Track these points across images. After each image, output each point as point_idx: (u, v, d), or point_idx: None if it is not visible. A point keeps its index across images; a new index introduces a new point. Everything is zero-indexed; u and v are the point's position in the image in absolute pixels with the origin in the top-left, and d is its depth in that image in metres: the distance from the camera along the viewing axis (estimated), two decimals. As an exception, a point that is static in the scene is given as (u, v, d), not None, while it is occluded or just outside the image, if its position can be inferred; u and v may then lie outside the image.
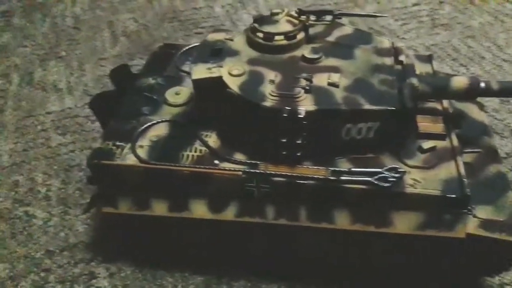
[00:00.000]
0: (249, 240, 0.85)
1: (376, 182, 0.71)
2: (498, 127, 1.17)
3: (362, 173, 0.73)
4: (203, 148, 0.80)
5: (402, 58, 0.80)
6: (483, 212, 0.73)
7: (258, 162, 0.76)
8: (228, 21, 1.63)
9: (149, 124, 0.84)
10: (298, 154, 0.74)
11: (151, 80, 0.96)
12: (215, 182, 0.77)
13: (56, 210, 1.03)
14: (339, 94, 0.73)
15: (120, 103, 0.91)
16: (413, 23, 1.58)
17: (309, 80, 0.75)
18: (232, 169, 0.76)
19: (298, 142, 0.73)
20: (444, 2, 1.67)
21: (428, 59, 0.99)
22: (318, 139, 0.74)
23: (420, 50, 1.43)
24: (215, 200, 0.78)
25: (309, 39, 0.84)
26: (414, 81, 0.76)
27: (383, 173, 0.71)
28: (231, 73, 0.78)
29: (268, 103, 0.73)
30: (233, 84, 0.76)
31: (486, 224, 0.71)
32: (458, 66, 1.38)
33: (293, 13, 0.85)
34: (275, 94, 0.73)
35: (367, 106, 0.72)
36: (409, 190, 0.72)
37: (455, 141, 0.79)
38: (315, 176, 0.73)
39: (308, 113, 0.71)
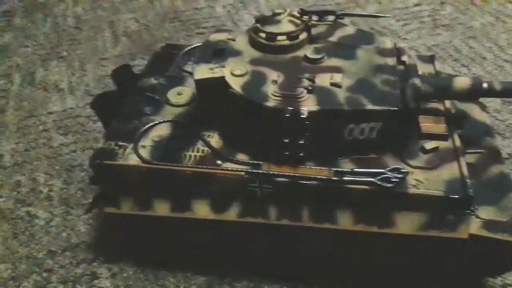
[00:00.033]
0: (251, 240, 0.85)
1: (379, 183, 0.71)
2: (500, 127, 1.17)
3: (365, 173, 0.72)
4: (206, 148, 0.80)
5: (404, 58, 0.80)
6: (486, 212, 0.73)
7: (261, 163, 0.76)
8: (229, 21, 1.63)
9: (151, 124, 0.84)
10: (301, 154, 0.74)
11: (153, 80, 0.96)
12: (217, 182, 0.77)
13: (58, 210, 1.03)
14: (341, 95, 0.73)
15: (122, 103, 0.91)
16: (414, 23, 1.58)
17: (312, 80, 0.75)
18: (235, 169, 0.76)
19: (301, 142, 0.73)
20: (446, 3, 1.67)
21: (430, 59, 0.99)
22: (321, 139, 0.74)
23: (422, 51, 1.43)
24: (218, 201, 0.78)
25: (311, 39, 0.84)
26: (417, 81, 0.75)
27: (386, 174, 0.71)
28: (233, 73, 0.78)
29: (270, 103, 0.73)
30: (236, 84, 0.76)
31: (489, 224, 0.71)
32: (459, 66, 1.38)
33: (296, 13, 0.85)
34: (277, 94, 0.73)
35: (369, 107, 0.72)
36: (412, 190, 0.72)
37: (458, 142, 0.79)
38: (318, 177, 0.73)
39: (310, 113, 0.71)
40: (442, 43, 1.48)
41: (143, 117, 0.86)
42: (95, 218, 1.00)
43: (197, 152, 0.79)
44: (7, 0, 1.78)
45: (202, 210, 0.79)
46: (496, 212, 0.73)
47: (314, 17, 0.86)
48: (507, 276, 0.86)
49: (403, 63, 0.80)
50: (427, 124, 0.79)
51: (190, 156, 0.79)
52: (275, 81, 0.76)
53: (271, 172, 0.75)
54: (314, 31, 0.85)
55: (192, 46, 1.05)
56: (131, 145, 0.81)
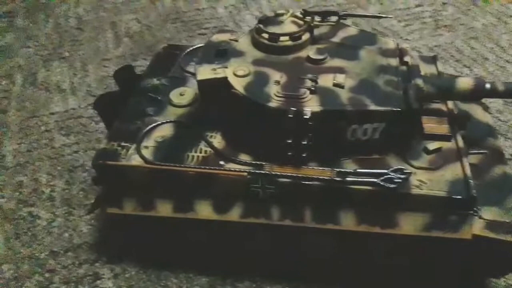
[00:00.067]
0: (254, 240, 0.84)
1: (382, 183, 0.71)
2: (502, 128, 1.17)
3: (368, 174, 0.72)
4: (208, 149, 0.80)
5: (407, 59, 0.80)
6: (489, 213, 0.73)
7: (263, 163, 0.76)
8: (231, 22, 1.63)
9: (154, 125, 0.84)
10: (304, 155, 0.74)
11: (155, 81, 0.96)
12: (220, 183, 0.77)
13: (60, 210, 1.03)
14: (344, 95, 0.73)
15: (125, 103, 0.91)
16: (416, 24, 1.58)
17: (315, 81, 0.75)
18: (237, 169, 0.76)
19: (304, 143, 0.73)
20: (447, 3, 1.67)
21: (433, 60, 0.99)
22: (323, 140, 0.74)
23: (424, 51, 1.43)
24: (220, 201, 0.79)
25: (314, 40, 0.84)
26: (419, 82, 0.75)
27: (389, 174, 0.71)
28: (236, 74, 0.78)
29: (273, 103, 0.73)
30: (238, 85, 0.76)
31: (492, 225, 0.71)
32: (461, 67, 1.38)
33: (298, 14, 0.85)
34: (280, 95, 0.73)
35: (372, 107, 0.72)
36: (415, 191, 0.72)
37: (461, 142, 0.79)
38: (321, 177, 0.73)
39: (313, 114, 0.71)
40: (444, 43, 1.48)
41: (145, 118, 0.86)
42: (97, 218, 1.00)
43: (200, 152, 0.79)
44: (9, 0, 1.78)
45: (204, 210, 0.79)
46: (499, 213, 0.73)
47: (317, 18, 0.86)
48: (510, 276, 0.86)
49: (406, 63, 0.80)
50: (430, 125, 0.78)
51: (193, 156, 0.79)
52: (277, 82, 0.75)
53: (273, 173, 0.75)
54: (316, 31, 0.85)
55: (194, 47, 1.05)
56: (133, 146, 0.81)
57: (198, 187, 0.78)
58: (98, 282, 0.90)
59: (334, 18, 0.87)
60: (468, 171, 0.74)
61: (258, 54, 0.82)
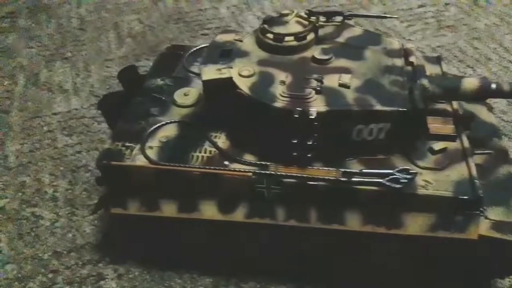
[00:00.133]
0: (259, 241, 0.84)
1: (387, 184, 0.71)
2: (506, 128, 1.17)
3: (374, 174, 0.72)
4: (213, 149, 0.80)
5: (412, 59, 0.80)
6: (495, 213, 0.73)
7: (268, 163, 0.76)
8: (234, 23, 1.63)
9: (158, 125, 0.84)
10: (309, 155, 0.74)
11: (159, 81, 0.96)
12: (225, 183, 0.76)
13: (63, 211, 1.03)
14: (350, 95, 0.73)
15: (129, 104, 0.90)
16: (418, 24, 1.58)
17: (320, 81, 0.75)
18: (242, 170, 0.76)
19: (309, 143, 0.73)
20: (450, 4, 1.67)
21: (437, 60, 0.99)
22: (329, 140, 0.74)
23: (426, 52, 1.43)
24: (225, 201, 0.78)
25: (318, 40, 0.84)
26: (425, 82, 0.75)
27: (395, 175, 0.71)
28: (241, 74, 0.78)
29: (279, 104, 0.72)
30: (243, 85, 0.76)
31: (498, 225, 0.71)
32: (464, 67, 1.38)
33: (303, 14, 0.85)
34: (286, 95, 0.73)
35: (378, 107, 0.72)
36: (421, 191, 0.72)
37: (466, 143, 0.79)
38: (326, 178, 0.73)
39: (319, 114, 0.71)
40: (447, 44, 1.48)
41: (149, 118, 0.86)
42: (101, 219, 1.00)
43: (204, 152, 0.79)
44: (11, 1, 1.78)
45: (209, 211, 0.79)
46: (505, 213, 0.73)
47: (322, 18, 0.85)
48: (515, 277, 0.86)
49: (411, 63, 0.80)
50: (435, 125, 0.78)
51: (197, 156, 0.79)
52: (283, 82, 0.75)
53: (278, 173, 0.74)
54: (321, 32, 0.84)
55: (198, 47, 1.05)
56: (138, 146, 0.80)
57: (203, 187, 0.78)
58: (102, 282, 0.90)
59: (339, 18, 0.87)
60: (474, 171, 0.74)
61: (263, 54, 0.82)
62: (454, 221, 0.72)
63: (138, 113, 0.88)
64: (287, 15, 0.84)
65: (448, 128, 0.79)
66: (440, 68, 0.96)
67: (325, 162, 0.75)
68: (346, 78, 0.75)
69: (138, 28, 1.62)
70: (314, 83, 0.74)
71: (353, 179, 0.73)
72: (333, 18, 0.87)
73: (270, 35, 0.82)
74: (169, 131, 0.83)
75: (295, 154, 0.74)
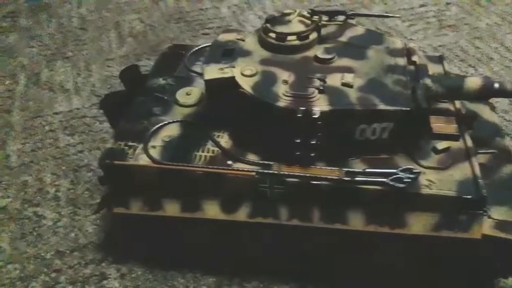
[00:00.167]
0: (261, 240, 0.84)
1: (391, 183, 0.71)
2: (508, 128, 1.17)
3: (377, 173, 0.72)
4: (216, 149, 0.80)
5: (415, 58, 0.80)
6: (498, 213, 0.72)
7: (271, 163, 0.76)
8: (235, 22, 1.63)
9: (161, 124, 0.84)
10: (312, 154, 0.74)
11: (161, 81, 0.96)
12: (228, 182, 0.76)
13: (66, 210, 1.03)
14: (353, 95, 0.73)
15: (131, 103, 0.90)
16: (420, 24, 1.58)
17: (323, 80, 0.75)
18: (245, 169, 0.76)
19: (312, 142, 0.73)
20: (451, 3, 1.67)
21: (439, 60, 0.99)
22: (332, 139, 0.74)
23: (428, 51, 1.43)
24: (228, 201, 0.78)
25: (321, 40, 0.84)
26: (428, 81, 0.75)
27: (398, 174, 0.71)
28: (243, 74, 0.77)
29: (282, 103, 0.72)
30: (246, 85, 0.76)
31: (501, 225, 0.71)
32: (466, 67, 1.38)
33: (305, 13, 0.84)
34: (288, 94, 0.73)
35: (381, 107, 0.72)
36: (424, 191, 0.72)
37: (469, 142, 0.79)
38: (329, 177, 0.73)
39: (322, 113, 0.70)
40: (448, 43, 1.48)
41: (152, 118, 0.86)
42: (103, 218, 1.00)
43: (207, 152, 0.79)
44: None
45: (212, 210, 0.78)
46: (509, 213, 0.73)
47: (324, 17, 0.85)
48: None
49: (414, 63, 0.79)
50: (438, 124, 0.78)
51: (200, 156, 0.78)
52: (286, 81, 0.75)
53: (281, 173, 0.74)
54: (323, 31, 0.84)
55: (200, 47, 1.05)
56: (141, 145, 0.80)
57: (206, 187, 0.77)
58: (105, 282, 0.90)
59: (341, 18, 0.87)
60: (477, 170, 0.74)
61: (265, 54, 0.82)
62: (458, 220, 0.72)
63: (140, 113, 0.87)
64: (289, 14, 0.84)
65: (451, 128, 0.78)
66: (442, 68, 0.96)
67: (328, 161, 0.75)
68: (349, 77, 0.75)
69: (139, 28, 1.62)
70: (317, 83, 0.74)
71: (356, 178, 0.73)
72: (336, 17, 0.87)
73: (273, 35, 0.82)
74: (172, 130, 0.83)
75: (298, 153, 0.74)
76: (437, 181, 0.73)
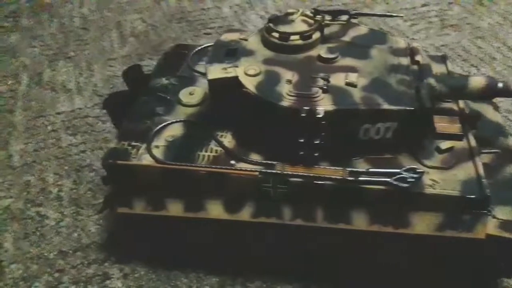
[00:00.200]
0: (265, 240, 0.84)
1: (394, 183, 0.71)
2: None
3: (381, 173, 0.72)
4: (219, 148, 0.79)
5: (418, 58, 0.80)
6: (502, 212, 0.72)
7: (275, 163, 0.76)
8: (236, 22, 1.63)
9: (164, 124, 0.84)
10: (316, 154, 0.74)
11: (164, 80, 0.96)
12: (231, 182, 0.76)
13: (68, 210, 1.03)
14: (357, 94, 0.73)
15: (134, 103, 0.90)
16: (422, 23, 1.57)
17: (327, 80, 0.74)
18: (249, 169, 0.76)
19: (316, 142, 0.72)
20: (453, 3, 1.67)
21: (442, 59, 0.99)
22: (336, 139, 0.74)
23: (430, 51, 1.43)
24: (231, 201, 0.78)
25: (324, 39, 0.84)
26: (432, 81, 0.75)
27: (402, 174, 0.71)
28: (247, 73, 0.77)
29: (285, 103, 0.72)
30: (250, 84, 0.76)
31: (506, 224, 0.71)
32: (468, 66, 1.38)
33: (308, 13, 0.84)
34: (292, 94, 0.73)
35: (385, 106, 0.72)
36: (428, 190, 0.72)
37: (473, 142, 0.78)
38: (333, 177, 0.73)
39: (326, 113, 0.70)
40: (451, 43, 1.48)
41: (155, 117, 0.86)
42: (105, 218, 1.00)
43: (211, 152, 0.79)
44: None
45: (215, 210, 0.78)
46: (513, 212, 0.72)
47: (327, 17, 0.85)
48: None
49: (417, 62, 0.79)
50: (442, 124, 0.78)
51: (204, 156, 0.78)
52: (289, 81, 0.75)
53: (285, 172, 0.74)
54: (327, 30, 0.84)
55: (202, 46, 1.05)
56: (144, 145, 0.80)
57: (209, 186, 0.77)
58: (108, 282, 0.90)
59: (344, 17, 0.87)
60: (481, 170, 0.73)
61: (269, 53, 0.82)
62: (462, 220, 0.72)
63: (143, 113, 0.87)
64: (292, 14, 0.84)
65: (454, 127, 0.79)
66: (445, 67, 0.96)
67: (331, 161, 0.75)
68: (353, 77, 0.75)
69: (141, 28, 1.62)
70: (321, 82, 0.74)
71: (360, 178, 0.73)
72: (339, 17, 0.87)
73: (276, 34, 0.82)
74: (175, 130, 0.83)
75: (301, 153, 0.74)
76: (440, 180, 0.73)
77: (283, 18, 0.84)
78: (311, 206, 0.76)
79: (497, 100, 0.98)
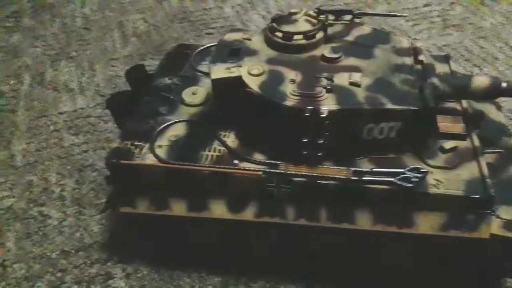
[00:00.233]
0: (268, 239, 0.84)
1: (398, 183, 0.71)
2: (514, 128, 1.17)
3: (384, 173, 0.72)
4: (222, 148, 0.79)
5: (421, 57, 0.80)
6: (506, 212, 0.72)
7: (278, 162, 0.75)
8: (238, 22, 1.63)
9: (167, 124, 0.84)
10: (319, 154, 0.74)
11: (167, 80, 0.96)
12: (234, 182, 0.76)
13: (71, 210, 1.03)
14: (361, 94, 0.73)
15: (137, 103, 0.90)
16: (424, 23, 1.57)
17: (330, 79, 0.74)
18: (252, 169, 0.75)
19: (320, 142, 0.72)
20: (455, 3, 1.66)
21: (445, 59, 0.99)
22: (339, 139, 0.74)
23: (433, 51, 1.43)
24: (235, 200, 0.78)
25: (327, 39, 0.84)
26: (435, 80, 0.75)
27: (406, 173, 0.71)
28: (250, 73, 0.77)
29: (289, 102, 0.72)
30: (253, 84, 0.76)
31: (509, 224, 0.71)
32: (471, 66, 1.38)
33: (312, 12, 0.84)
34: (296, 94, 0.73)
35: (389, 106, 0.72)
36: (432, 190, 0.71)
37: (476, 141, 0.78)
38: (337, 177, 0.73)
39: (330, 112, 0.70)
40: (453, 43, 1.47)
41: (158, 117, 0.86)
42: (108, 218, 1.00)
43: (214, 151, 0.79)
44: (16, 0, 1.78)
45: (219, 210, 0.78)
46: (517, 212, 0.72)
47: (331, 17, 0.85)
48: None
49: (421, 62, 0.79)
50: (445, 124, 0.78)
51: (207, 155, 0.78)
52: (293, 81, 0.75)
53: (289, 172, 0.74)
54: (330, 30, 0.84)
55: (205, 46, 1.05)
56: (147, 145, 0.80)
57: (212, 186, 0.77)
58: (110, 281, 0.90)
59: (348, 17, 0.87)
60: (485, 170, 0.73)
61: (272, 53, 0.82)
62: (466, 220, 0.72)
63: (146, 112, 0.87)
64: (296, 13, 0.84)
65: (458, 127, 0.78)
66: (448, 67, 0.96)
67: (335, 161, 0.75)
68: (356, 76, 0.75)
69: (143, 28, 1.62)
70: (325, 82, 0.74)
71: (364, 178, 0.72)
72: (342, 16, 0.87)
73: (279, 34, 0.82)
74: (178, 130, 0.83)
75: (305, 153, 0.74)
76: (444, 180, 0.73)
77: (287, 18, 0.84)
78: (315, 206, 0.76)
79: (500, 100, 0.98)
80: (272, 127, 0.76)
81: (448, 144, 0.77)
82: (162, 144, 0.80)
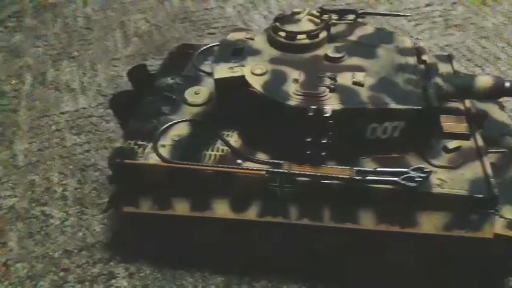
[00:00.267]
0: (271, 239, 0.84)
1: (402, 182, 0.71)
2: (517, 127, 1.16)
3: (388, 173, 0.72)
4: (225, 148, 0.79)
5: (424, 57, 0.80)
6: (510, 212, 0.72)
7: (282, 162, 0.75)
8: (240, 22, 1.63)
9: (170, 123, 0.84)
10: (323, 153, 0.74)
11: (169, 80, 0.96)
12: (237, 181, 0.76)
13: (73, 209, 1.03)
14: (364, 93, 0.73)
15: (140, 102, 0.90)
16: (426, 23, 1.57)
17: (334, 79, 0.74)
18: (255, 168, 0.75)
19: (323, 141, 0.72)
20: (457, 3, 1.66)
21: (448, 59, 0.98)
22: (343, 138, 0.74)
23: (435, 51, 1.42)
24: (238, 200, 0.78)
25: (331, 38, 0.83)
26: (439, 80, 0.75)
27: (409, 173, 0.71)
28: (253, 72, 0.77)
29: (292, 102, 0.72)
30: (256, 83, 0.76)
31: (513, 224, 0.71)
32: (473, 66, 1.38)
33: (315, 12, 0.84)
34: (299, 93, 0.73)
35: (393, 105, 0.72)
36: (436, 190, 0.71)
37: (480, 141, 0.78)
38: (340, 176, 0.73)
39: (334, 112, 0.70)
40: (455, 43, 1.47)
41: (161, 117, 0.86)
42: (110, 217, 1.00)
43: (217, 151, 0.79)
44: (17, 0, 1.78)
45: (222, 209, 0.78)
46: (521, 212, 0.72)
47: (334, 16, 0.85)
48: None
49: (424, 62, 0.79)
50: (448, 124, 0.78)
51: (210, 155, 0.78)
52: (296, 80, 0.75)
53: (292, 172, 0.74)
54: (333, 30, 0.84)
55: (208, 46, 1.04)
56: (150, 145, 0.80)
57: (216, 185, 0.77)
58: (113, 281, 0.90)
59: (351, 17, 0.87)
60: (488, 169, 0.73)
61: (275, 53, 0.82)
62: (469, 220, 0.72)
63: (149, 112, 0.87)
64: (299, 13, 0.84)
65: (461, 127, 0.78)
66: (451, 67, 0.96)
67: (339, 160, 0.75)
68: (360, 76, 0.75)
69: (145, 27, 1.62)
70: (328, 81, 0.74)
71: (367, 177, 0.72)
72: (346, 16, 0.87)
73: (282, 33, 0.82)
74: (181, 129, 0.83)
75: (308, 152, 0.74)
76: (448, 180, 0.73)
77: (290, 18, 0.84)
78: (318, 206, 0.76)
79: (503, 99, 0.98)
80: (275, 126, 0.76)
81: (452, 144, 0.77)
82: (165, 144, 0.80)
